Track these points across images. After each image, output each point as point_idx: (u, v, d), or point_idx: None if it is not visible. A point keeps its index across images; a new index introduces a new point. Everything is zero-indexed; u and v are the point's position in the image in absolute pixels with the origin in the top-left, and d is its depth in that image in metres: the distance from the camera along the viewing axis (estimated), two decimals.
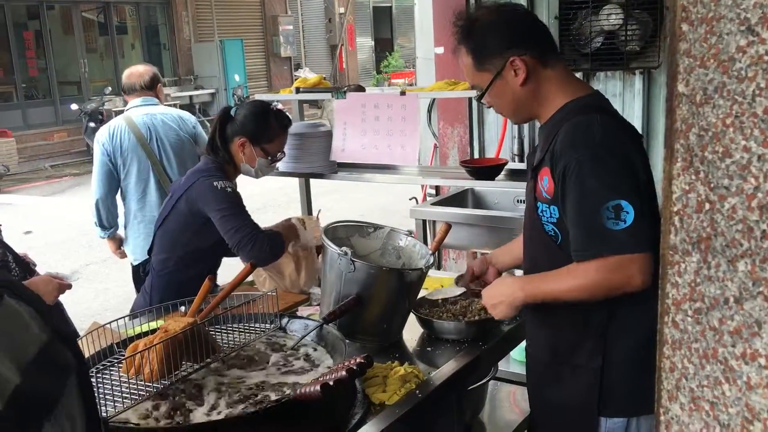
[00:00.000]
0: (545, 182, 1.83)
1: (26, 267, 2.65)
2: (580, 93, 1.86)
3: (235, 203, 2.67)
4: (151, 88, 3.87)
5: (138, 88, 3.84)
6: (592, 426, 1.87)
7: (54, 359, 1.00)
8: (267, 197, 9.25)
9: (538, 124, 1.98)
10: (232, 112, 2.86)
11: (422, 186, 5.06)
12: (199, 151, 3.88)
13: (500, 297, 1.94)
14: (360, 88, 3.37)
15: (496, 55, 1.83)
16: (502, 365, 2.83)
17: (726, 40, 0.70)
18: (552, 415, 2.00)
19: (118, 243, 3.93)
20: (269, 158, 2.82)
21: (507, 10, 1.90)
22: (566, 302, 1.81)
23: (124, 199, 3.84)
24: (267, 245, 2.61)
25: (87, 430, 1.09)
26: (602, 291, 1.74)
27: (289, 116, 2.92)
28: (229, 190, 2.67)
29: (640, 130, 3.75)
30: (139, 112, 3.79)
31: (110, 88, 15.54)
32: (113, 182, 3.76)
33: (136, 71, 3.90)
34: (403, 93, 3.15)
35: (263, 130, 2.77)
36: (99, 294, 6.33)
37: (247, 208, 2.72)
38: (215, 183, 2.66)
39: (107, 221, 3.82)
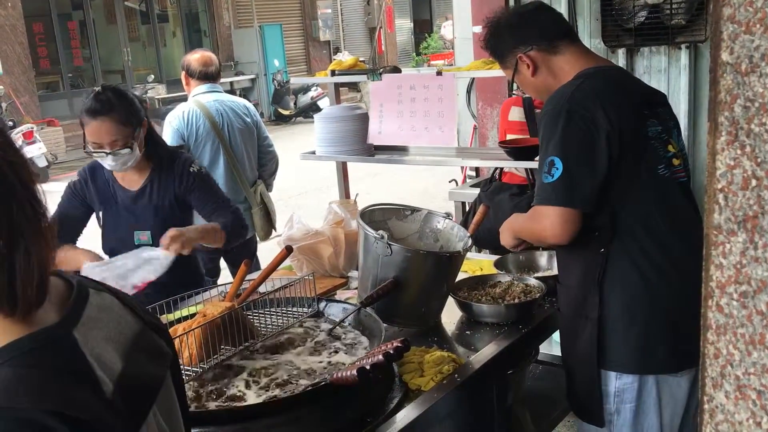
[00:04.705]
0: None
1: None
2: (590, 65, 1.99)
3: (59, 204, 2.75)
4: (218, 76, 3.99)
5: (212, 74, 3.93)
6: (595, 379, 1.97)
7: (149, 346, 1.03)
8: (308, 182, 9.29)
9: None
10: None
11: (462, 168, 5.01)
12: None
13: (503, 226, 2.19)
14: (396, 70, 3.33)
15: (508, 54, 2.09)
16: (544, 348, 2.78)
17: None
18: (568, 368, 2.11)
19: None
20: (86, 149, 2.55)
21: (516, 12, 2.18)
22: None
23: None
24: None
25: (184, 424, 1.12)
26: (529, 236, 2.05)
27: (111, 100, 2.52)
28: (66, 185, 2.75)
29: (685, 106, 3.66)
30: (209, 98, 3.88)
31: (153, 76, 15.76)
32: None
33: (209, 58, 3.99)
34: (439, 73, 3.10)
35: (80, 115, 2.56)
36: None
37: (68, 210, 2.71)
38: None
39: None
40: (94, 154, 2.54)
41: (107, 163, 2.56)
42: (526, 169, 3.40)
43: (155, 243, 2.64)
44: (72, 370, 0.85)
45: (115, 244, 2.67)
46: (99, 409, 0.83)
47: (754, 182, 0.68)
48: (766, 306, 0.68)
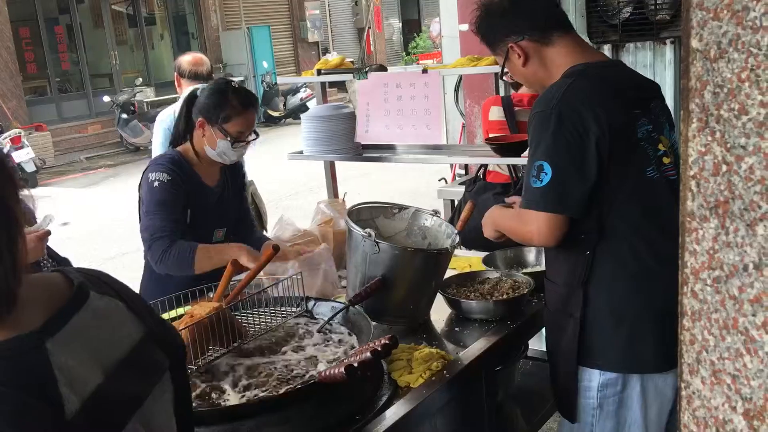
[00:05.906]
0: None
1: (63, 261, 2.63)
2: (583, 60, 1.95)
3: (156, 200, 2.51)
4: (209, 76, 4.02)
5: (203, 74, 3.98)
6: (573, 375, 1.98)
7: (143, 360, 0.98)
8: (298, 183, 9.28)
9: None
10: (198, 93, 2.69)
11: (452, 166, 5.02)
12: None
13: (486, 218, 2.18)
14: (382, 68, 3.33)
15: (499, 42, 2.03)
16: (533, 344, 2.79)
17: None
18: (552, 363, 2.11)
19: None
20: (229, 139, 2.55)
21: None
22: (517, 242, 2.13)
23: None
24: (161, 255, 2.47)
25: (188, 424, 1.07)
26: (515, 237, 2.03)
27: (254, 94, 2.72)
28: (156, 183, 2.52)
29: (671, 101, 3.68)
30: None
31: (141, 80, 15.69)
32: None
33: (200, 59, 4.05)
34: (425, 71, 3.10)
35: (219, 108, 2.55)
36: (135, 281, 6.41)
37: (174, 204, 2.51)
38: (150, 175, 2.54)
39: None
40: (236, 146, 2.58)
41: (239, 152, 2.63)
42: (509, 167, 3.41)
43: (228, 241, 2.64)
44: (31, 385, 0.82)
45: (196, 241, 2.54)
46: (48, 429, 0.81)
47: (724, 168, 0.68)
48: (738, 290, 0.69)
